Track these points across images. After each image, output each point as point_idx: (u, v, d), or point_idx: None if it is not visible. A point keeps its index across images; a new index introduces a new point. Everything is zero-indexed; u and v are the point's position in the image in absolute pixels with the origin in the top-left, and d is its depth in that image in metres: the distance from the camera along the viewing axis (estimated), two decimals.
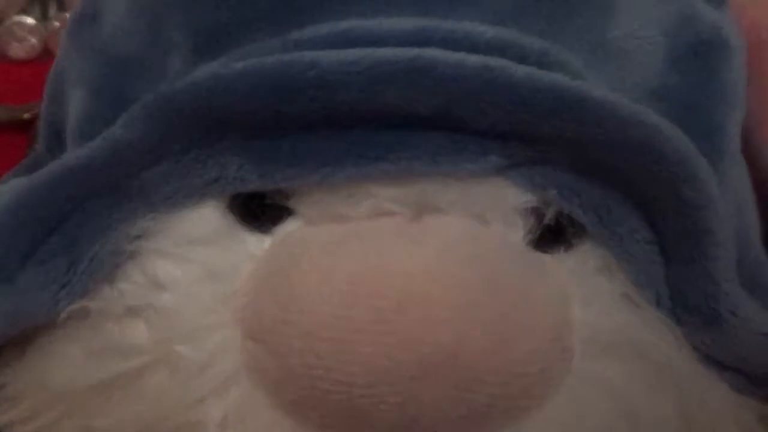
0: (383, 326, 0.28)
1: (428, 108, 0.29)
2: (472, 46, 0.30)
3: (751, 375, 0.32)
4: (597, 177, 0.31)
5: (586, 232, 0.31)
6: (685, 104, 0.32)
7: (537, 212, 0.31)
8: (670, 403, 0.31)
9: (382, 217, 0.29)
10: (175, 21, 0.32)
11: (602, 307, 0.31)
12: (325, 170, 0.29)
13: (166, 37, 0.32)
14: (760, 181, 0.36)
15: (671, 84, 0.32)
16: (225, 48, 0.31)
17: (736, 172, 0.34)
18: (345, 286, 0.28)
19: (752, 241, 0.34)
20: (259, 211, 0.30)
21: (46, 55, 0.51)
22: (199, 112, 0.30)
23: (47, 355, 0.31)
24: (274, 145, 0.30)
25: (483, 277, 0.29)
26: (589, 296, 0.31)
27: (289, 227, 0.30)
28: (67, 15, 0.51)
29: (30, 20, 0.51)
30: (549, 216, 0.31)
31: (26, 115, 0.49)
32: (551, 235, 0.31)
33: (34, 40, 0.51)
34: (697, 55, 0.33)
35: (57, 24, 0.52)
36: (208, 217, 0.30)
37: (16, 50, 0.51)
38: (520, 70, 0.29)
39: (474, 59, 0.29)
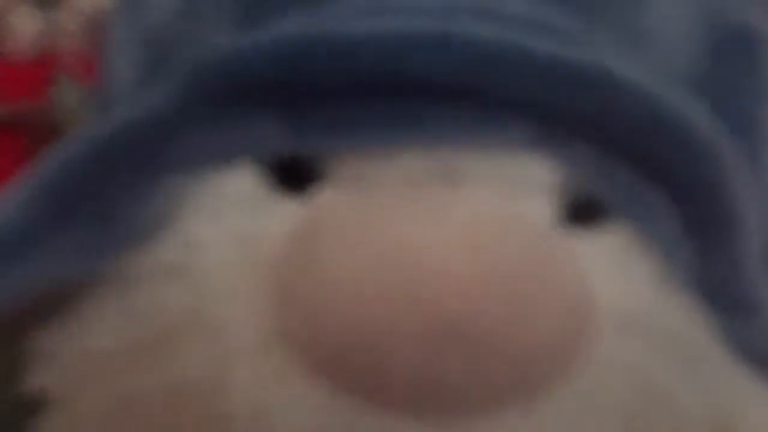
0: (405, 293, 0.28)
1: (456, 80, 0.29)
2: (502, 20, 0.30)
3: None
4: (625, 157, 0.31)
5: (614, 212, 0.31)
6: (721, 94, 0.32)
7: (566, 190, 0.31)
8: (698, 390, 0.31)
9: (411, 186, 0.30)
10: None
11: (629, 288, 0.31)
12: (357, 136, 0.30)
13: (207, 6, 0.32)
14: None
15: (707, 74, 0.32)
16: (264, 17, 0.31)
17: None
18: (372, 254, 0.29)
19: None
20: (293, 175, 0.31)
21: (46, 55, 0.51)
22: (235, 80, 0.30)
23: (82, 317, 0.31)
24: (309, 111, 0.30)
25: (507, 252, 0.29)
26: (615, 276, 0.31)
27: (322, 193, 0.30)
28: (68, 15, 0.51)
29: (30, 20, 0.51)
30: (578, 194, 0.31)
31: (26, 115, 0.49)
32: (579, 213, 0.31)
33: (33, 39, 0.51)
34: (734, 46, 0.33)
35: (57, 23, 0.51)
36: (244, 181, 0.31)
37: (16, 49, 0.51)
38: (545, 46, 0.29)
39: (501, 33, 0.29)
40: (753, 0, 0.34)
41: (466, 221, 0.29)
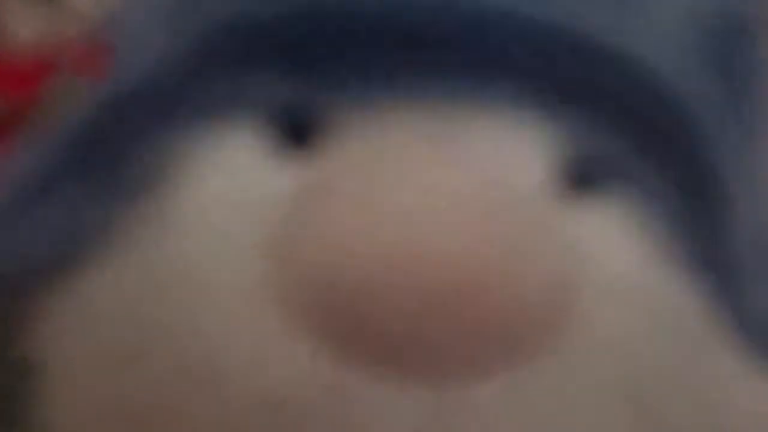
0: (396, 258, 0.29)
1: (455, 42, 0.30)
2: None
3: None
4: (618, 128, 0.31)
5: (607, 181, 0.31)
6: (716, 80, 0.33)
7: (559, 156, 0.31)
8: (688, 362, 0.31)
9: (412, 143, 0.30)
10: None
11: (620, 257, 0.31)
12: (361, 91, 0.30)
13: None
14: None
15: (700, 63, 0.33)
16: None
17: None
18: (366, 220, 0.29)
19: None
20: (297, 132, 0.31)
21: (47, 52, 0.51)
22: (241, 35, 0.31)
23: (81, 274, 0.31)
24: (312, 68, 0.31)
25: (498, 219, 0.29)
26: (610, 248, 0.31)
27: (322, 153, 0.31)
28: (68, 15, 0.51)
29: (31, 17, 0.51)
30: (571, 161, 0.31)
31: (24, 113, 0.49)
32: (572, 180, 0.31)
33: (35, 37, 0.51)
34: (726, 35, 0.33)
35: (59, 21, 0.52)
36: (248, 138, 0.31)
37: (17, 46, 0.51)
38: (546, 12, 0.30)
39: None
40: None
41: (460, 186, 0.30)
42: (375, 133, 0.30)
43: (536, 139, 0.31)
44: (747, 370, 0.32)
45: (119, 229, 0.31)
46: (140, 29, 0.34)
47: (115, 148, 0.31)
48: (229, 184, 0.31)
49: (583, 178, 0.31)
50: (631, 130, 0.31)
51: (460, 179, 0.30)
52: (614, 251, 0.31)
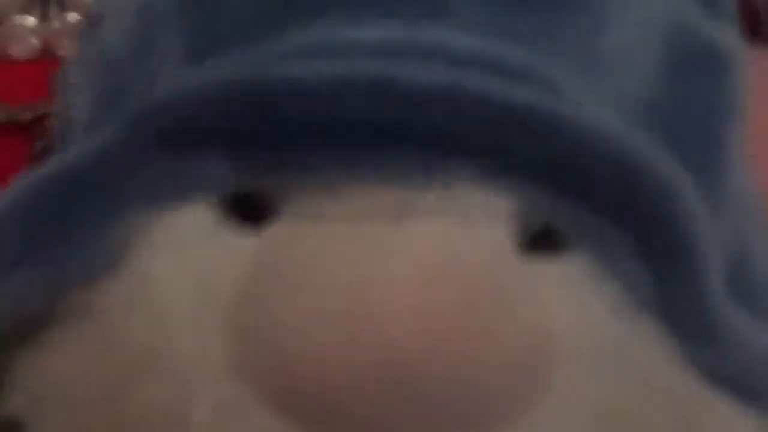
0: (351, 332, 0.29)
1: (399, 121, 0.29)
2: (446, 57, 0.30)
3: (749, 391, 0.32)
4: (581, 190, 0.31)
5: (570, 243, 0.31)
6: (681, 115, 0.32)
7: (520, 219, 0.31)
8: (664, 419, 0.31)
9: (363, 221, 0.30)
10: (169, 25, 0.33)
11: (587, 318, 0.31)
12: (304, 174, 0.30)
13: (160, 42, 0.33)
14: None
15: (666, 95, 0.32)
16: (212, 53, 0.32)
17: (738, 181, 0.34)
18: (320, 294, 0.29)
19: (754, 249, 0.34)
20: (247, 212, 0.31)
21: (46, 55, 0.51)
22: (179, 120, 0.31)
23: (46, 348, 0.32)
24: (258, 148, 0.31)
25: (460, 287, 0.29)
26: (575, 307, 0.31)
27: (274, 228, 0.31)
28: (68, 15, 0.51)
29: (30, 20, 0.51)
30: (533, 224, 0.31)
31: (26, 116, 0.49)
32: (537, 243, 0.31)
33: (34, 40, 0.51)
34: (694, 65, 0.33)
35: (58, 24, 0.51)
36: (197, 217, 0.31)
37: (16, 50, 0.51)
38: (490, 88, 0.29)
39: (440, 74, 0.29)
40: (733, 19, 0.34)
41: (414, 257, 0.29)
42: (327, 210, 0.30)
43: (494, 204, 0.30)
44: (719, 417, 0.32)
45: (77, 307, 0.31)
46: (88, 106, 0.34)
47: (66, 230, 0.31)
48: (182, 264, 0.31)
49: (546, 240, 0.31)
50: (590, 193, 0.31)
51: (414, 258, 0.29)
52: (580, 311, 0.31)
